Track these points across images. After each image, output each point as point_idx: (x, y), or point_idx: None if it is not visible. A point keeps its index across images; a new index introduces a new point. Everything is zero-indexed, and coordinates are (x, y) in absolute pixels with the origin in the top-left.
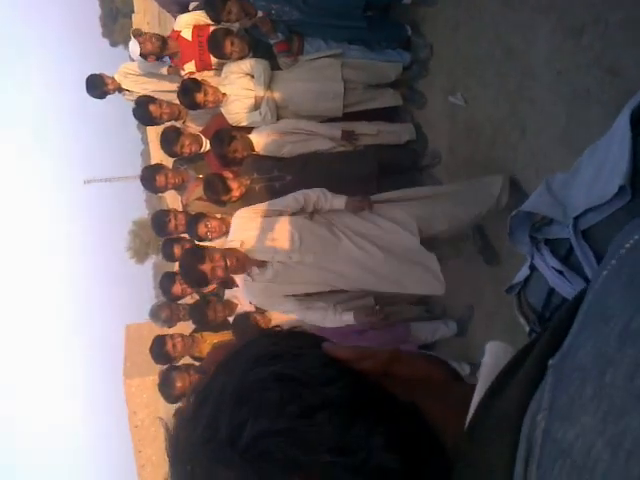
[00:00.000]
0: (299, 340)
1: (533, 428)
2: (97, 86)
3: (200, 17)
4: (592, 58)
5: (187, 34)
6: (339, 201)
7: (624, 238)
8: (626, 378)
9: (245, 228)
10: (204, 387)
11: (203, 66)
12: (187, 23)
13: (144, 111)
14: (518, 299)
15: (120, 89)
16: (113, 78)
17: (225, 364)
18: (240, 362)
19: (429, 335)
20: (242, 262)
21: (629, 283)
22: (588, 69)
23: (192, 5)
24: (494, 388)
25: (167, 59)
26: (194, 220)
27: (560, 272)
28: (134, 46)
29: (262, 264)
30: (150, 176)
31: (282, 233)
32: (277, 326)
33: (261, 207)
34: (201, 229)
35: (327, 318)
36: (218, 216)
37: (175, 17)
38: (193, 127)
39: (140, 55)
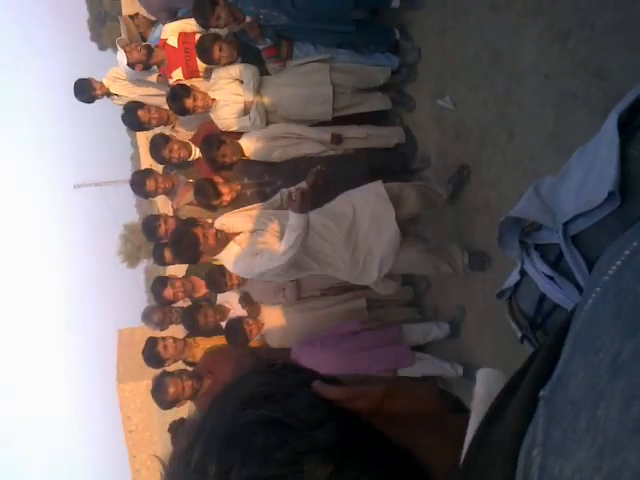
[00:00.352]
0: (289, 378)
1: (529, 464)
2: (85, 90)
3: (186, 25)
4: (579, 62)
5: (173, 41)
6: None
7: (608, 263)
8: (620, 411)
9: (225, 218)
10: (196, 425)
11: (190, 73)
12: (173, 30)
13: (133, 116)
14: (509, 304)
15: (109, 93)
16: (101, 83)
17: (217, 403)
18: (230, 403)
19: (421, 337)
20: (227, 237)
21: (616, 312)
22: (575, 72)
23: (181, 12)
24: (487, 421)
25: (155, 68)
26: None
27: (551, 278)
28: (121, 57)
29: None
30: (140, 181)
31: (260, 217)
32: (269, 361)
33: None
34: None
35: (288, 246)
36: (209, 221)
37: (164, 24)
38: (183, 132)
39: (127, 65)
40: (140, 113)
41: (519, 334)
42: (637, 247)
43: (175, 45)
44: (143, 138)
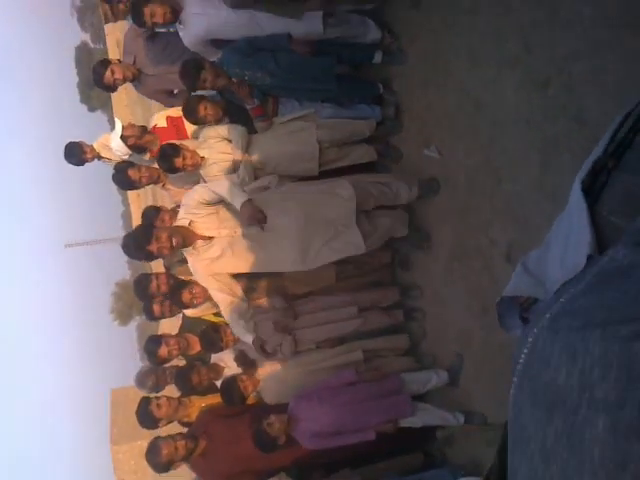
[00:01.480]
0: None
1: None
2: (75, 154)
3: (172, 111)
4: (559, 108)
5: (162, 124)
6: (238, 201)
7: (519, 351)
8: None
9: (194, 210)
10: None
11: (178, 131)
12: (160, 117)
13: (123, 176)
14: None
15: (99, 157)
16: (92, 146)
17: None
18: None
19: (420, 386)
20: (189, 239)
21: (532, 401)
22: (556, 119)
23: (176, 90)
24: None
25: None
26: (178, 288)
27: None
28: (117, 130)
29: (209, 240)
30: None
31: (226, 212)
32: None
33: (202, 193)
34: (185, 296)
35: (236, 327)
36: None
37: (161, 102)
38: (173, 190)
39: (121, 137)
40: (130, 173)
41: None
42: (537, 334)
43: (164, 125)
44: (134, 195)
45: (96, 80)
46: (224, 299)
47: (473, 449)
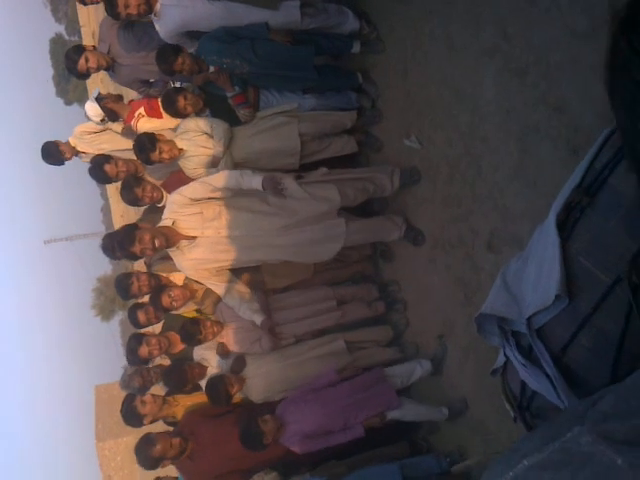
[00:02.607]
0: None
1: None
2: (52, 154)
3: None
4: (538, 96)
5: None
6: (257, 181)
7: None
8: None
9: (178, 210)
10: None
11: (151, 108)
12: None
13: (100, 171)
14: (502, 383)
15: (77, 153)
16: (68, 144)
17: None
18: None
19: (405, 379)
20: (172, 239)
21: None
22: (535, 107)
23: (154, 85)
24: None
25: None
26: (157, 292)
27: (524, 365)
28: (92, 98)
29: (192, 239)
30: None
31: (210, 212)
32: None
33: (193, 189)
34: (165, 300)
35: (241, 309)
36: (179, 282)
37: (137, 91)
38: (152, 180)
39: (96, 99)
40: (107, 168)
41: (512, 414)
42: None
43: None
44: (113, 189)
45: (69, 67)
46: (221, 288)
47: (458, 437)
